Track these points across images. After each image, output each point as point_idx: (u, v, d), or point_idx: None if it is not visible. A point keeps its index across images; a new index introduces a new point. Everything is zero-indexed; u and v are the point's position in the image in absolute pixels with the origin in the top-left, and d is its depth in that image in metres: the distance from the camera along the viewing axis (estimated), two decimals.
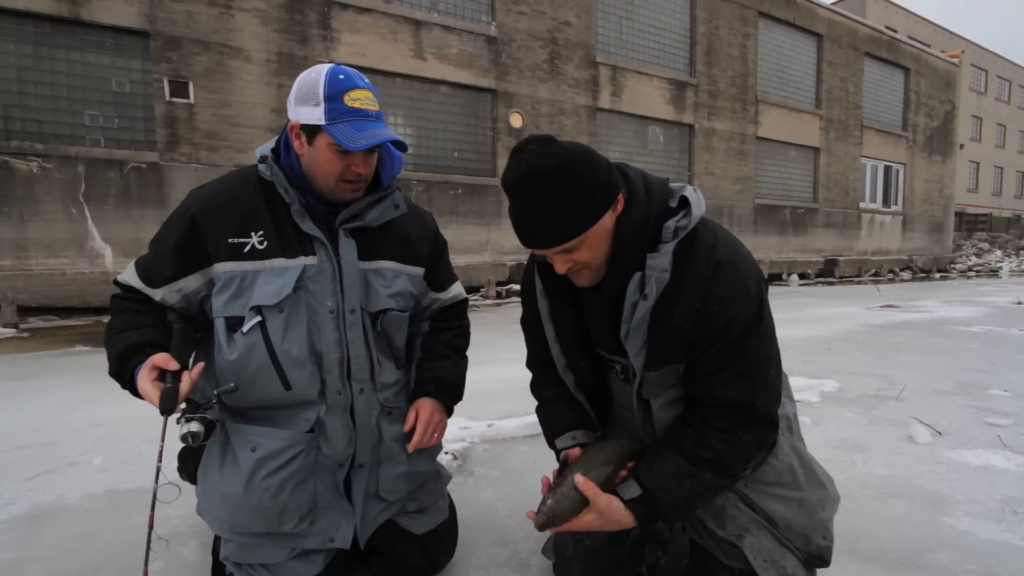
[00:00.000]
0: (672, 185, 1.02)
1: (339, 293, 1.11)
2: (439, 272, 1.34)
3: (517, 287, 8.70)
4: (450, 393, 1.29)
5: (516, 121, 8.91)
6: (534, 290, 1.14)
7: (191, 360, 1.10)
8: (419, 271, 1.27)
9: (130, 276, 1.12)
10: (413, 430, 1.18)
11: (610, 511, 0.98)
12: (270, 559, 1.08)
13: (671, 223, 0.95)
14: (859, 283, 12.40)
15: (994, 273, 15.50)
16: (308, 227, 1.09)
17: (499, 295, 8.41)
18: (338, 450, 1.12)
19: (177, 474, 1.24)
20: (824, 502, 1.11)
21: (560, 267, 0.96)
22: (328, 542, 1.12)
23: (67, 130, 5.80)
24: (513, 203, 0.93)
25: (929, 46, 17.55)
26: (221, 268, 1.07)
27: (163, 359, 0.98)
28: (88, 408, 2.68)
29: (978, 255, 18.76)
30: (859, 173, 14.13)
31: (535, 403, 1.27)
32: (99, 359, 4.01)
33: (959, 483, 1.86)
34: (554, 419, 1.20)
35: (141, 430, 2.32)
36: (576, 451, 1.13)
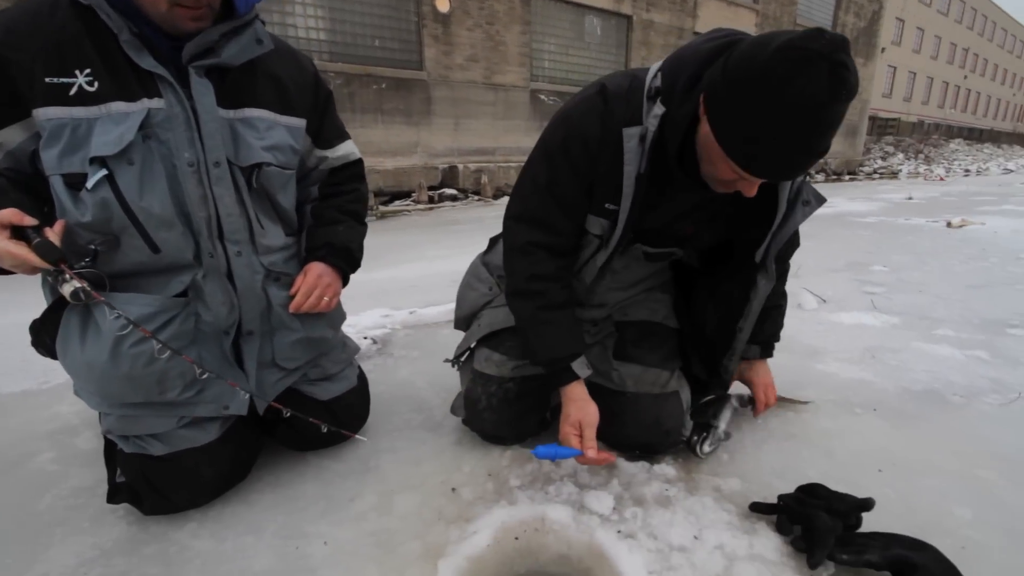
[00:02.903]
0: None
1: (197, 143, 0.96)
2: (325, 125, 1.20)
3: (451, 191, 8.41)
4: (343, 258, 1.21)
5: (443, 5, 8.06)
6: (592, 169, 1.00)
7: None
8: (299, 123, 1.12)
9: None
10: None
11: (766, 376, 1.38)
12: (157, 428, 1.04)
13: None
14: None
15: (895, 175, 16.83)
16: (147, 63, 0.92)
17: (431, 199, 8.13)
18: (220, 316, 1.04)
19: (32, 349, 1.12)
20: None
21: (754, 191, 0.90)
22: (223, 410, 1.09)
23: None
24: (804, 126, 0.75)
25: None
26: (43, 115, 0.88)
27: (12, 214, 0.84)
28: None
29: (883, 158, 20.19)
30: None
31: (529, 294, 1.11)
32: None
33: (833, 338, 2.10)
34: (571, 338, 1.12)
35: (25, 337, 2.11)
36: None
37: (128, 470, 1.06)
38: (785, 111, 0.74)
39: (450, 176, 8.54)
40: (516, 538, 0.94)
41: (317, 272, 1.15)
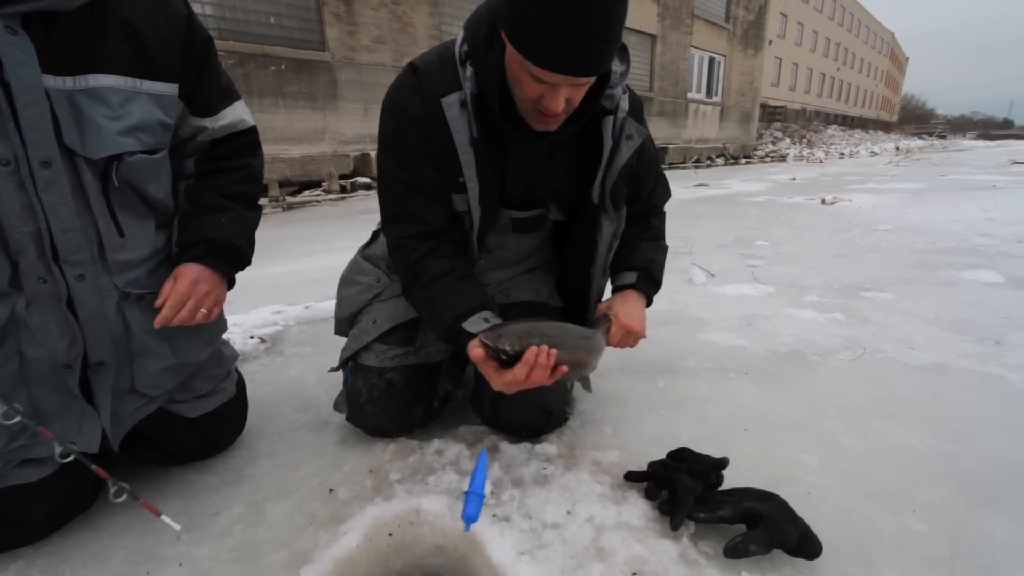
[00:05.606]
0: None
1: (14, 134, 0.73)
2: (203, 85, 0.94)
3: (364, 180, 8.06)
4: (225, 258, 1.00)
5: None
6: (431, 147, 0.98)
7: None
8: (168, 89, 0.87)
9: None
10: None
11: (632, 310, 1.15)
12: None
13: (616, 68, 0.97)
14: (683, 168, 13.92)
15: (783, 158, 18.48)
16: None
17: (343, 188, 7.76)
18: (56, 351, 0.85)
19: None
20: None
21: (560, 105, 0.86)
22: (68, 445, 0.90)
23: None
24: (583, 6, 0.75)
25: None
26: None
27: None
28: None
29: (773, 143, 22.08)
30: (688, 63, 15.14)
31: (411, 283, 1.05)
32: None
33: (716, 309, 2.25)
34: (458, 298, 1.00)
35: None
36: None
37: None
38: None
39: (362, 164, 8.18)
40: (390, 534, 0.91)
41: (190, 278, 0.94)
